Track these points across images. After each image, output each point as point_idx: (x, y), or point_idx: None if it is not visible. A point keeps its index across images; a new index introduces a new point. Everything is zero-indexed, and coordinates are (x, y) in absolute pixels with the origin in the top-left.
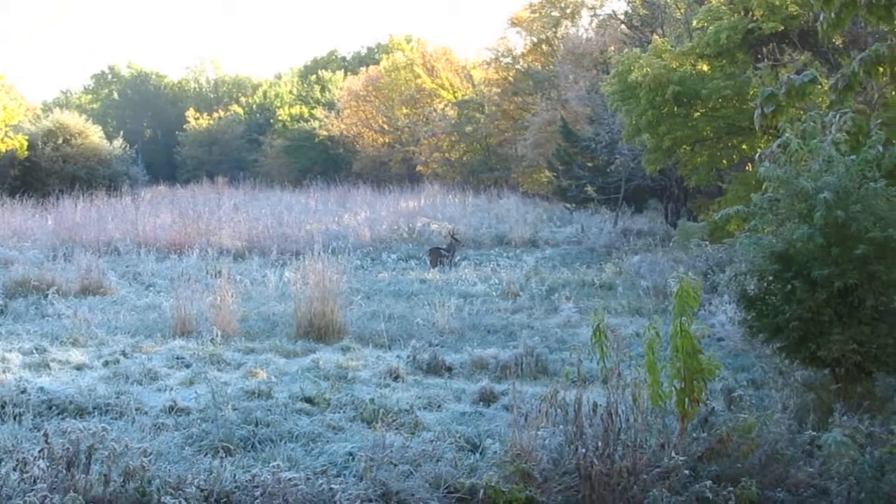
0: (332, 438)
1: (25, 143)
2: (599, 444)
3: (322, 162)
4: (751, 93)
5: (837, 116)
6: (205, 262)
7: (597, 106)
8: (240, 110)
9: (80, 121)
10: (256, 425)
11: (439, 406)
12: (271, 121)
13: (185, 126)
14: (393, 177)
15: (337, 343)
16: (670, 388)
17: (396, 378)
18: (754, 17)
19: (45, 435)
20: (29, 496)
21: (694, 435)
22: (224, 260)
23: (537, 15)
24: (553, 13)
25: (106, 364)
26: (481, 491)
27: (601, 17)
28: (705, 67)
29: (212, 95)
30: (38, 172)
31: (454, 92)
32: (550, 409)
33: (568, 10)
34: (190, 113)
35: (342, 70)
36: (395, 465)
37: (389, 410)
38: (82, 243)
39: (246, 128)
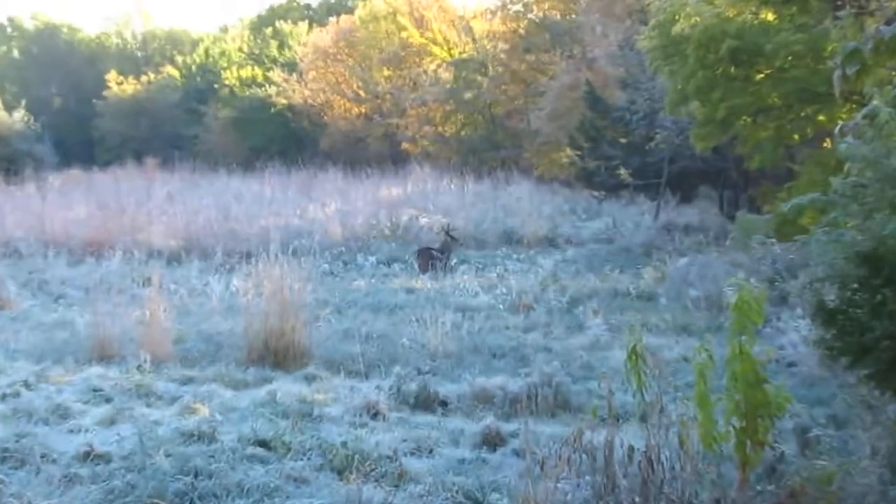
0: (292, 493)
1: None
2: (637, 499)
3: (280, 138)
4: (829, 49)
5: None
6: (130, 266)
7: (632, 66)
8: (175, 72)
9: None
10: (196, 476)
11: (431, 451)
12: (215, 86)
13: (105, 93)
14: (371, 157)
15: (299, 370)
16: (727, 427)
17: (376, 415)
18: None
19: None
20: None
21: (758, 487)
22: (155, 264)
23: None
24: None
25: (3, 398)
26: None
27: None
28: (770, 16)
29: (140, 54)
30: None
31: (449, 49)
32: (574, 455)
33: None
34: (111, 76)
35: (306, 21)
36: None
37: (367, 457)
38: None
39: (183, 95)
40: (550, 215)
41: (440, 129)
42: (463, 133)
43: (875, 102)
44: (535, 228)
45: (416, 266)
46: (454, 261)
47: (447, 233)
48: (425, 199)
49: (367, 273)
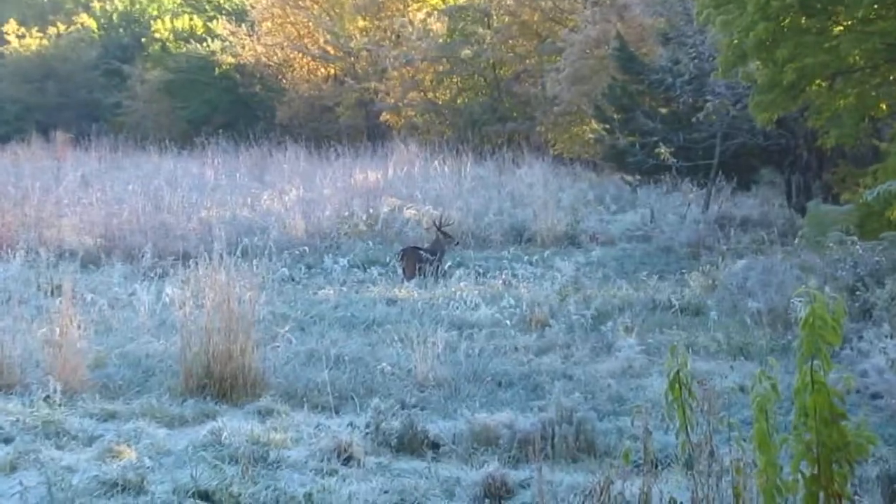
0: None
1: None
2: None
3: (226, 107)
4: None
5: None
6: (35, 270)
7: (675, 16)
8: (92, 23)
9: None
10: None
11: None
12: (143, 40)
13: (1, 49)
14: (342, 132)
15: (251, 403)
16: (795, 475)
17: (348, 460)
18: None
19: None
20: None
21: None
22: (67, 267)
23: None
24: None
25: None
26: None
27: None
28: None
29: (45, 0)
30: None
31: None
32: None
33: None
34: (10, 27)
35: None
36: None
37: None
38: None
39: (102, 51)
40: (571, 206)
41: (430, 95)
42: (459, 101)
43: None
44: (552, 223)
45: (399, 270)
46: (448, 264)
47: (439, 228)
48: (411, 185)
49: (338, 279)
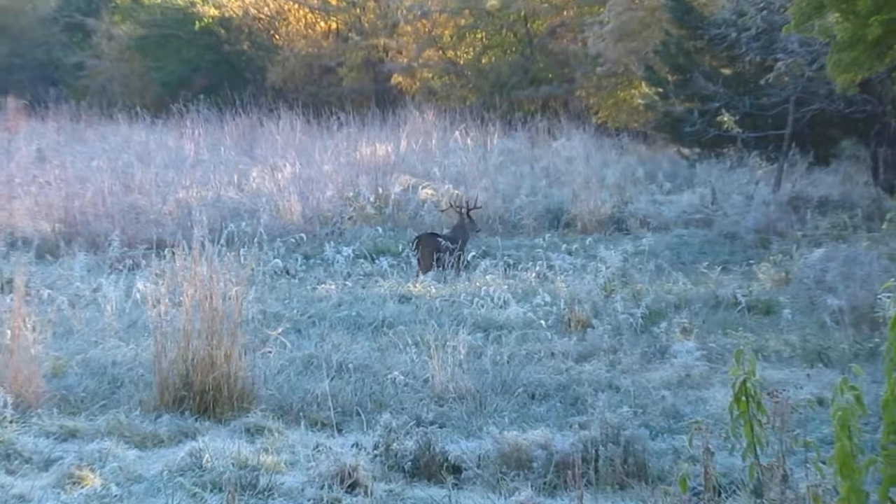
0: None
1: None
2: None
3: (209, 68)
4: None
5: None
6: None
7: None
8: None
9: None
10: None
11: None
12: None
13: None
14: (346, 96)
15: (238, 419)
16: (883, 502)
17: (353, 487)
18: None
19: None
20: None
21: None
22: (19, 258)
23: None
24: None
25: None
26: None
27: None
28: None
29: None
30: None
31: None
32: None
33: None
34: None
35: None
36: None
37: None
38: None
39: (62, 3)
40: (617, 185)
41: (450, 54)
42: (485, 61)
43: None
44: (595, 205)
45: (414, 262)
46: (472, 254)
47: (461, 212)
48: (428, 160)
49: (341, 272)
